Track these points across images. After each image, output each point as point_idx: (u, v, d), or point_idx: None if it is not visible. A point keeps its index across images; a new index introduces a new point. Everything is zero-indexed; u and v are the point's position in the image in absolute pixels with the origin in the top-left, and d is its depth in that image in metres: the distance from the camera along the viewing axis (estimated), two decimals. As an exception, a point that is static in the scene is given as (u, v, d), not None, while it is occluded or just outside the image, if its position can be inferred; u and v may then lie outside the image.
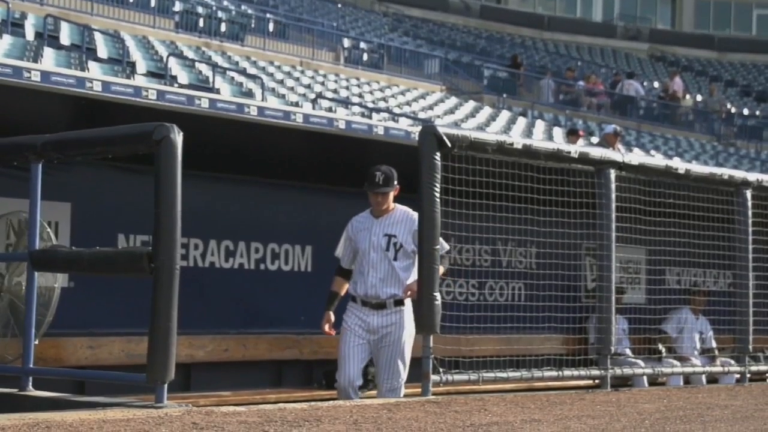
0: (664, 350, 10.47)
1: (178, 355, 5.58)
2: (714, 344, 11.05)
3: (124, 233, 7.98)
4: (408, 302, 7.33)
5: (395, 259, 7.32)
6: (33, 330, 6.21)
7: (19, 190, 6.63)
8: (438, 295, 6.90)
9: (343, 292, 7.53)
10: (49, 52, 17.62)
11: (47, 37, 19.55)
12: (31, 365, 6.21)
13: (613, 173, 8.12)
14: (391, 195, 7.39)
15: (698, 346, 11.01)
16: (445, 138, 7.01)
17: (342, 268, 7.53)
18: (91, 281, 7.46)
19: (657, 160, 10.31)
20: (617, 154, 8.68)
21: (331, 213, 8.71)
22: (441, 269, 7.16)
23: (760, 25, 52.87)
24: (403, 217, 7.42)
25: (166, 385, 5.49)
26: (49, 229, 6.85)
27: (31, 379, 6.23)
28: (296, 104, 20.27)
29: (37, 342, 6.33)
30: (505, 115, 28.23)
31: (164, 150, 5.46)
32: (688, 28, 52.09)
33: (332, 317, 7.43)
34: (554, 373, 7.83)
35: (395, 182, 7.33)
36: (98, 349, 7.68)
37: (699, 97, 38.52)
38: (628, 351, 10.36)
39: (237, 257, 8.72)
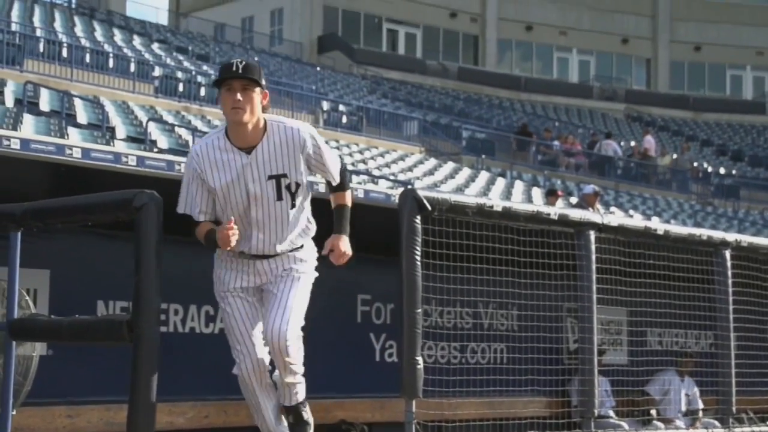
0: (654, 413, 10.40)
1: (158, 422, 5.51)
2: (700, 404, 11.00)
3: (104, 299, 7.91)
4: (309, 240, 5.51)
5: (292, 206, 5.23)
6: (11, 400, 6.13)
7: (-2, 257, 6.58)
8: (420, 359, 6.86)
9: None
10: (28, 119, 17.65)
11: (27, 103, 19.60)
12: (9, 436, 6.13)
13: (592, 235, 8.15)
14: (257, 98, 5.17)
15: (683, 408, 10.96)
16: (425, 201, 7.02)
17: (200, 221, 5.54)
18: (69, 348, 7.38)
19: (636, 221, 10.35)
20: (596, 215, 8.72)
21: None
22: (348, 194, 5.50)
23: (733, 86, 53.74)
24: (284, 137, 5.22)
25: (146, 455, 5.42)
26: (27, 297, 6.79)
27: (8, 450, 6.14)
28: (276, 167, 20.28)
29: (14, 413, 6.24)
30: (484, 176, 28.39)
31: (144, 217, 5.45)
32: (663, 88, 52.84)
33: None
34: (538, 437, 7.78)
35: (263, 81, 5.21)
36: (77, 418, 7.56)
37: (674, 156, 38.92)
38: (611, 412, 10.31)
39: (217, 322, 8.65)
